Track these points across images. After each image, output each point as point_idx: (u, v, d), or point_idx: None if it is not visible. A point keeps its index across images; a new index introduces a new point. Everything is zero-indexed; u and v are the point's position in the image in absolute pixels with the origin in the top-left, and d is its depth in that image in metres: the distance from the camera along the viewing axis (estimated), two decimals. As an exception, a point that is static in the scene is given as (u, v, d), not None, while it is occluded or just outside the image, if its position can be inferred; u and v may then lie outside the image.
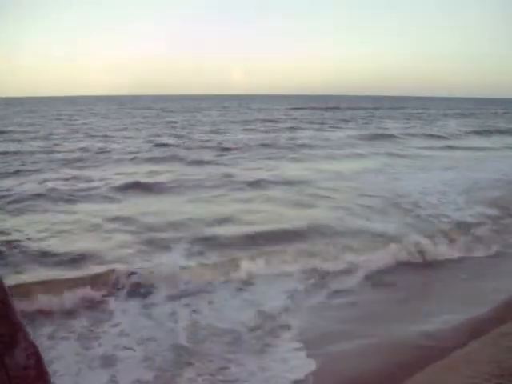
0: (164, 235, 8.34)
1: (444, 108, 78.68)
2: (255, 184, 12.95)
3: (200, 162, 17.18)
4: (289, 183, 13.17)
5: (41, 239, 7.97)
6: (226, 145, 22.26)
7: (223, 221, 9.35)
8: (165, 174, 14.45)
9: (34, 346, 1.15)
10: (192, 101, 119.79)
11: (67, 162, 16.57)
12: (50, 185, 12.42)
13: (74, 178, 13.71)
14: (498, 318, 5.34)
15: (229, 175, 14.23)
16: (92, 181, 13.23)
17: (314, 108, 70.91)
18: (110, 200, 11.08)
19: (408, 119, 46.93)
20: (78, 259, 7.11)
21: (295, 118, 46.29)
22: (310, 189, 12.42)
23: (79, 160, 17.25)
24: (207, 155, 18.93)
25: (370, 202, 10.85)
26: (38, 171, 14.92)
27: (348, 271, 6.83)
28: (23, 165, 16.09)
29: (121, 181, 13.08)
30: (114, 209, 10.29)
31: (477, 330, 5.02)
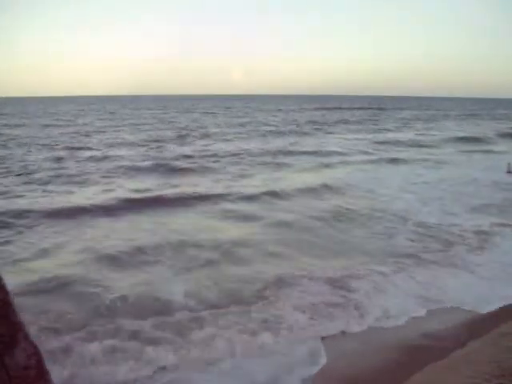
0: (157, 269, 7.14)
1: (447, 109, 77.76)
2: (254, 198, 12.00)
3: (202, 172, 16.09)
4: (284, 198, 12.16)
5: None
6: (232, 152, 20.70)
7: (222, 248, 8.08)
8: (161, 188, 13.29)
9: (35, 346, 1.15)
10: (192, 101, 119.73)
11: (57, 177, 14.85)
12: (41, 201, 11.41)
13: (60, 193, 12.45)
14: (497, 317, 5.34)
15: (228, 188, 13.29)
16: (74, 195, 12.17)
17: (317, 108, 70.20)
18: (87, 221, 9.79)
19: (425, 120, 46.27)
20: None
21: (295, 120, 46.22)
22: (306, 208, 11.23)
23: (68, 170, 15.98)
24: (208, 163, 17.72)
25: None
26: (35, 182, 13.84)
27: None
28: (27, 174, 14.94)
29: (103, 197, 11.91)
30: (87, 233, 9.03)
31: (477, 330, 5.03)
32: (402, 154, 21.14)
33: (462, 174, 16.03)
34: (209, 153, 20.47)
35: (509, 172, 16.07)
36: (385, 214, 10.47)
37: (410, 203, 11.41)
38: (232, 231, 9.27)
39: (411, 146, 24.79)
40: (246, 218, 10.31)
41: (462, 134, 30.10)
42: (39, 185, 13.58)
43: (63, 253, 7.74)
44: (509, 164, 16.31)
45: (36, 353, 1.13)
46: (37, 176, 14.78)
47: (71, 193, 12.57)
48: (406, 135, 30.05)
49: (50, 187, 13.28)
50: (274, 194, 12.39)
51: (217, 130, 32.53)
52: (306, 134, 30.73)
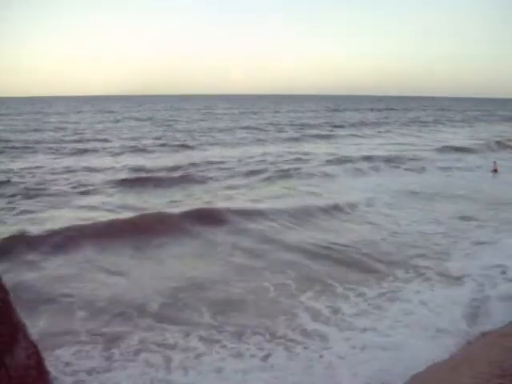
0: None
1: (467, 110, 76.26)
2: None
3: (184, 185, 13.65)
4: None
5: None
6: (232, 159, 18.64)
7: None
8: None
9: (35, 346, 1.14)
10: (192, 101, 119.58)
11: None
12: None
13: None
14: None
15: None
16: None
17: (329, 109, 68.83)
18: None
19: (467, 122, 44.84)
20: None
21: (298, 124, 45.88)
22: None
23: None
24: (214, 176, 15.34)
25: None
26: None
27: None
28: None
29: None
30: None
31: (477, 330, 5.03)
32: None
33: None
34: (199, 160, 18.26)
35: (494, 170, 16.57)
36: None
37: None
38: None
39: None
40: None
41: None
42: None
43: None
44: (494, 162, 16.94)
45: (36, 353, 1.13)
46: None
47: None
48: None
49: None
50: (247, 214, 10.33)
51: (213, 133, 30.80)
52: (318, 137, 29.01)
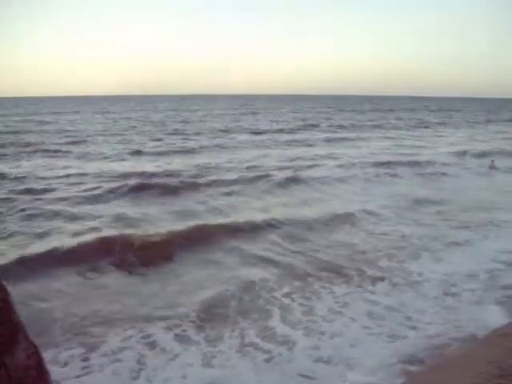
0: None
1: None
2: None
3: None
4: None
5: None
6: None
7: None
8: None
9: (35, 346, 1.15)
10: (191, 101, 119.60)
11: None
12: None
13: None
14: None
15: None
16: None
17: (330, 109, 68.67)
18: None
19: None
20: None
21: (299, 125, 45.65)
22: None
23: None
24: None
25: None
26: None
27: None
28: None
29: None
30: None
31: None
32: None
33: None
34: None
35: (492, 168, 16.99)
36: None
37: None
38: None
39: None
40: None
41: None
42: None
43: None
44: (492, 161, 17.49)
45: (36, 353, 1.13)
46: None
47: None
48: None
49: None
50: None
51: (213, 134, 30.07)
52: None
